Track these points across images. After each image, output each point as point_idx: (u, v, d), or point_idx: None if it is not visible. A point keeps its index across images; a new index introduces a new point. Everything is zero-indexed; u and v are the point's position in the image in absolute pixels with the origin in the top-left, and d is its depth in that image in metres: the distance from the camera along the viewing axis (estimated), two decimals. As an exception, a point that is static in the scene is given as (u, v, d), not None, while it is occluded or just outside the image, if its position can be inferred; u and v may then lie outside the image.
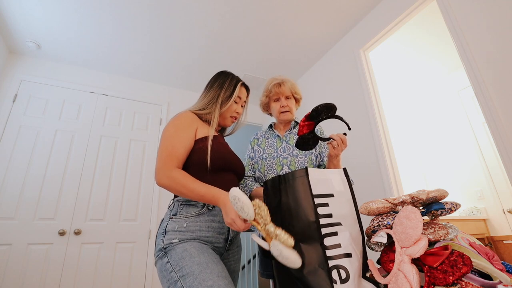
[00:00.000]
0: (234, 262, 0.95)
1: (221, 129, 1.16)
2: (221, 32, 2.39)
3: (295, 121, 1.35)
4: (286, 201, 0.77)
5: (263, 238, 0.71)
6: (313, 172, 0.79)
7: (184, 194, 0.80)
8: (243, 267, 3.74)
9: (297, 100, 1.36)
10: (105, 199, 2.44)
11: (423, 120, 3.36)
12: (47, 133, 2.42)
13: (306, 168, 0.79)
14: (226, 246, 0.90)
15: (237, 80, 1.09)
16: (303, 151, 1.22)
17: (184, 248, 0.76)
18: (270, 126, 1.40)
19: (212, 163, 0.89)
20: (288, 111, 1.30)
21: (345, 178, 0.83)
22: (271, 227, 0.67)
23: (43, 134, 2.41)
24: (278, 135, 1.33)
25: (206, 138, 0.93)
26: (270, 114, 1.41)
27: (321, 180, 0.79)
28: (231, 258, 0.94)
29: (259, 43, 2.54)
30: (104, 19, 2.19)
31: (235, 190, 0.67)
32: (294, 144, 1.24)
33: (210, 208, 0.87)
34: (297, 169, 1.05)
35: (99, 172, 2.50)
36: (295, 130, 1.32)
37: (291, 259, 0.64)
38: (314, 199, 0.75)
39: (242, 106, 1.11)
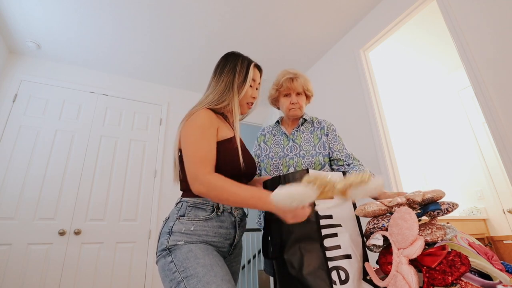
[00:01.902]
0: (235, 263, 0.95)
1: None
2: (221, 32, 2.39)
3: (304, 118, 1.29)
4: (286, 201, 0.77)
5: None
6: (314, 174, 0.79)
7: (225, 199, 0.74)
8: (243, 267, 3.75)
9: (308, 97, 1.29)
10: (105, 199, 2.44)
11: (423, 120, 3.36)
12: (47, 133, 2.42)
13: (307, 169, 0.79)
14: (230, 250, 0.89)
15: (249, 61, 0.99)
16: (310, 152, 1.19)
17: (190, 248, 0.75)
18: (277, 121, 1.34)
19: (235, 167, 0.84)
20: (297, 108, 1.24)
21: None
22: (339, 184, 0.59)
23: (43, 134, 2.41)
24: (285, 133, 1.27)
25: (230, 140, 0.87)
26: (278, 108, 1.34)
27: (322, 181, 0.79)
28: (233, 260, 0.94)
29: (259, 43, 2.53)
30: (104, 19, 2.19)
31: (277, 195, 0.58)
32: (301, 144, 1.23)
33: (219, 213, 0.85)
34: None
35: (99, 172, 2.50)
36: (303, 128, 1.27)
37: (371, 188, 0.60)
38: (315, 200, 0.75)
39: (256, 89, 1.02)
